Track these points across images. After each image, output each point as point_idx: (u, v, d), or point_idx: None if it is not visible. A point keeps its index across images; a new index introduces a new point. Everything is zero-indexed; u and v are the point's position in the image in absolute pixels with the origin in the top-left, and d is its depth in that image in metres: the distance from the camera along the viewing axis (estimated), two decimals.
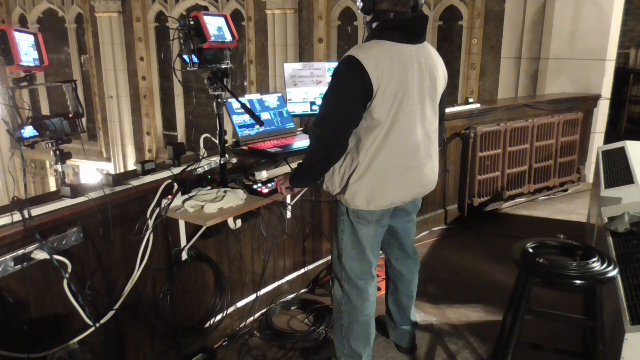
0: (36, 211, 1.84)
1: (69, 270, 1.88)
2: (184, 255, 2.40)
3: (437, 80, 2.05)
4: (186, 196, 2.24)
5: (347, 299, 2.19)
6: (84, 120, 2.08)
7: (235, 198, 2.23)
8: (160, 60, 9.79)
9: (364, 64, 1.85)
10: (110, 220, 2.04)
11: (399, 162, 1.99)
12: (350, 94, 1.89)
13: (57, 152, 1.97)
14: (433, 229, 4.11)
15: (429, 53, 2.04)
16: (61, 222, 1.91)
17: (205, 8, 9.12)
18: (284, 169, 2.74)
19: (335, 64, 3.12)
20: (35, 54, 1.89)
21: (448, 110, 3.39)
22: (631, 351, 1.71)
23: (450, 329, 2.76)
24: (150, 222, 2.18)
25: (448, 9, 7.51)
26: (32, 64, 1.88)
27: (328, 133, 1.93)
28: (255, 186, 2.39)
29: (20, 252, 1.77)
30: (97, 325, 2.01)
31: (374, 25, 1.97)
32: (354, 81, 1.87)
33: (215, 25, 2.19)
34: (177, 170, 2.31)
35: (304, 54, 8.45)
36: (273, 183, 2.36)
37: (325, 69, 3.09)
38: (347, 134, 1.95)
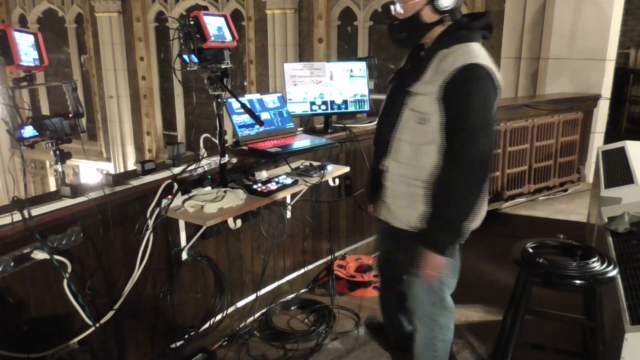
0: (36, 211, 1.84)
1: (69, 270, 1.88)
2: (184, 255, 2.40)
3: None
4: (186, 196, 2.24)
5: (442, 332, 2.01)
6: (84, 120, 2.08)
7: (235, 198, 2.23)
8: (160, 60, 9.78)
9: (492, 71, 1.70)
10: (110, 220, 2.04)
11: None
12: (493, 105, 1.71)
13: (57, 152, 1.97)
14: None
15: None
16: (61, 222, 1.91)
17: (205, 8, 9.12)
18: (284, 169, 2.74)
19: (335, 64, 3.15)
20: (35, 54, 1.89)
21: None
22: (631, 351, 1.71)
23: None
24: (150, 222, 2.18)
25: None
26: (32, 64, 1.88)
27: (486, 152, 1.70)
28: (255, 186, 2.39)
29: (20, 252, 1.77)
30: (97, 325, 2.01)
31: (446, 24, 1.76)
32: (493, 91, 1.70)
33: (215, 25, 2.19)
34: (177, 170, 2.31)
35: (304, 54, 8.45)
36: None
37: (326, 69, 3.09)
38: None
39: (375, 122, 2.04)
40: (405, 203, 1.83)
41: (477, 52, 1.71)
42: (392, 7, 1.81)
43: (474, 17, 1.79)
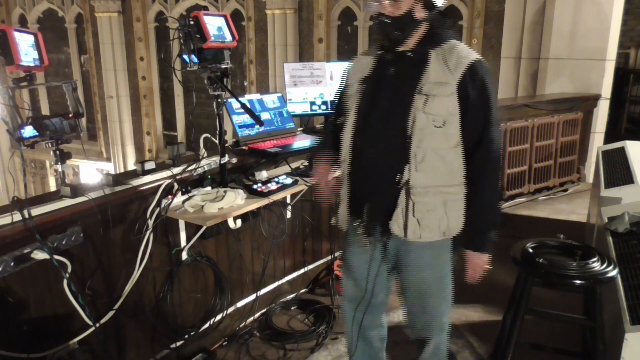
0: (36, 211, 1.84)
1: (69, 270, 1.88)
2: (184, 255, 2.40)
3: None
4: (186, 196, 2.24)
5: (448, 337, 1.98)
6: (83, 120, 2.08)
7: (235, 198, 2.23)
8: (160, 60, 9.78)
9: None
10: (110, 220, 2.04)
11: None
12: None
13: (57, 152, 1.98)
14: None
15: None
16: (61, 222, 1.91)
17: (205, 8, 9.12)
18: (284, 169, 2.74)
19: (335, 64, 3.14)
20: (35, 54, 1.89)
21: None
22: (631, 351, 1.72)
23: (450, 329, 2.76)
24: (150, 222, 2.18)
25: (448, 9, 7.51)
26: (32, 64, 1.88)
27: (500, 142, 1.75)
28: (255, 186, 2.39)
29: (20, 252, 1.77)
30: (97, 325, 2.01)
31: (434, 22, 1.69)
32: None
33: (215, 25, 2.19)
34: (177, 170, 2.31)
35: (304, 54, 8.45)
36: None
37: (326, 69, 3.09)
38: None
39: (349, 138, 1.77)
40: (441, 214, 1.70)
41: (469, 48, 1.72)
42: (371, 4, 1.68)
43: (444, 15, 1.74)
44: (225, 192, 2.25)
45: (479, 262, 1.79)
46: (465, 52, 1.66)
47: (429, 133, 1.64)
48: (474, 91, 1.63)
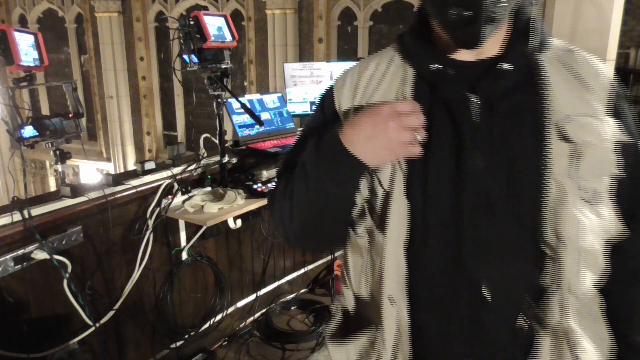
0: (36, 211, 1.84)
1: (69, 270, 1.88)
2: (184, 255, 2.40)
3: None
4: (186, 196, 2.24)
5: None
6: (83, 120, 2.08)
7: (235, 198, 2.23)
8: (160, 60, 9.78)
9: None
10: (110, 220, 2.04)
11: None
12: None
13: (57, 152, 1.98)
14: None
15: None
16: (61, 222, 1.91)
17: (205, 8, 9.12)
18: None
19: (335, 64, 3.14)
20: (35, 54, 1.89)
21: None
22: None
23: None
24: (150, 222, 2.18)
25: None
26: (32, 64, 1.88)
27: None
28: (255, 186, 2.39)
29: (20, 252, 1.77)
30: (97, 325, 2.01)
31: (522, 6, 0.85)
32: None
33: (215, 25, 2.19)
34: (177, 170, 2.31)
35: (304, 54, 8.45)
36: None
37: (326, 69, 3.09)
38: None
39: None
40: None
41: None
42: None
43: None
44: (225, 192, 2.25)
45: None
46: (592, 59, 0.91)
47: (578, 220, 0.80)
48: (626, 128, 0.85)
